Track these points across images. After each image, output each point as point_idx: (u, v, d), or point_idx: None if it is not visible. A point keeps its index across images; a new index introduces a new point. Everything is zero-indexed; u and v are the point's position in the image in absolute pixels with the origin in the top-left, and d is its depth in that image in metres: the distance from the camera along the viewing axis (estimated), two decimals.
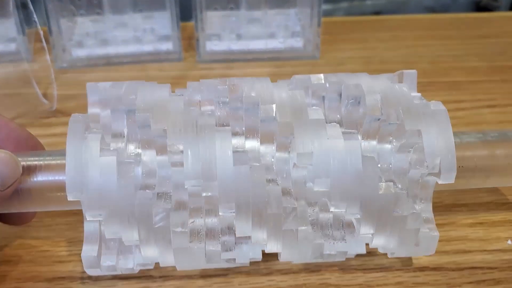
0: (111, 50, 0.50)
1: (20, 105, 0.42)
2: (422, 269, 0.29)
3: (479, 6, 0.89)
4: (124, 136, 0.27)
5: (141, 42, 0.51)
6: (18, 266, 0.29)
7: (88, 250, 0.26)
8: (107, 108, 0.28)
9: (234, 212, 0.25)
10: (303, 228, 0.26)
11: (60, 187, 0.26)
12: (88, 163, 0.25)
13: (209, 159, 0.25)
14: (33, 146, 0.30)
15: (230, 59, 0.51)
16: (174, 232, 0.25)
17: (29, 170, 0.27)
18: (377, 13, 0.89)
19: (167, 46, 0.51)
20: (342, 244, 0.27)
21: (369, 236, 0.27)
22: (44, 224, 0.32)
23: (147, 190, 0.25)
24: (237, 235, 0.26)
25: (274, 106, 0.26)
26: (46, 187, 0.27)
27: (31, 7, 0.41)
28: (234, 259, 0.27)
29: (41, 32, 0.40)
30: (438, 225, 0.27)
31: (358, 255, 0.29)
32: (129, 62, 0.50)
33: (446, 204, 0.33)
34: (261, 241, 0.26)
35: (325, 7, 0.80)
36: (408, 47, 0.54)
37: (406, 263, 0.29)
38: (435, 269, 0.29)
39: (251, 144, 0.27)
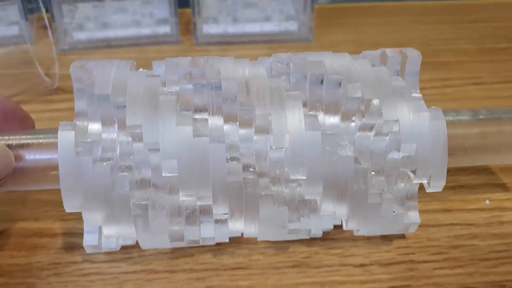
0: (110, 33, 0.52)
1: (23, 83, 0.44)
2: None
3: None
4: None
5: (140, 25, 0.52)
6: (22, 224, 0.31)
7: (89, 240, 0.28)
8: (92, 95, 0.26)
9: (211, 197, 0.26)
10: (280, 212, 0.26)
11: (53, 166, 0.26)
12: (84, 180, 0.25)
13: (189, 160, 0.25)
14: (22, 119, 0.29)
15: (226, 42, 0.52)
16: (153, 216, 0.25)
17: (22, 149, 0.27)
18: None
19: (165, 29, 0.52)
20: (318, 220, 0.27)
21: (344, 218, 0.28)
22: None
23: (141, 201, 0.25)
24: (215, 219, 0.27)
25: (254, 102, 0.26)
26: (38, 166, 0.27)
27: None
28: (213, 238, 0.27)
29: (43, 10, 0.42)
30: (421, 188, 0.28)
31: None
32: (128, 45, 0.52)
33: None
34: (239, 229, 0.27)
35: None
36: (400, 31, 0.55)
37: None
38: None
39: (230, 127, 0.26)
